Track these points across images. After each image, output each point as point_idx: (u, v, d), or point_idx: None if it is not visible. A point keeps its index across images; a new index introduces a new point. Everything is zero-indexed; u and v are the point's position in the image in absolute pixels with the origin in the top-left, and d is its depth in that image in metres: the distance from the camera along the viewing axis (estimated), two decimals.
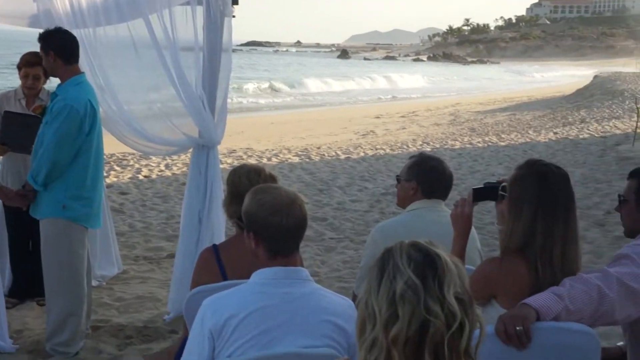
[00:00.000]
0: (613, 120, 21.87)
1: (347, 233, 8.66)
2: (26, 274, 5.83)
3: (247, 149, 16.08)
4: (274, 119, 25.67)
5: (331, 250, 7.92)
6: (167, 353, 3.86)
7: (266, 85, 43.62)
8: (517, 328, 2.48)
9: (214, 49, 5.39)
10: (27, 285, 5.85)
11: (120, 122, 5.51)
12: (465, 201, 3.11)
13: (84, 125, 4.75)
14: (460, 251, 3.09)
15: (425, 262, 1.71)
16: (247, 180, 3.46)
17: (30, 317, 5.65)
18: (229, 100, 5.83)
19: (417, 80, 56.02)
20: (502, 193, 3.04)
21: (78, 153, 4.77)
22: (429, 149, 16.59)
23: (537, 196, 2.86)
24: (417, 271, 1.70)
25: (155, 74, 5.41)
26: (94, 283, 6.03)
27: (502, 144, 17.71)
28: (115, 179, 11.58)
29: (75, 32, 5.04)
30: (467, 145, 17.58)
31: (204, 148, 5.51)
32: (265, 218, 2.62)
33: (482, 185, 3.14)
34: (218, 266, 3.42)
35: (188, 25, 5.32)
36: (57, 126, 4.68)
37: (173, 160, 13.21)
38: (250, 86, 41.63)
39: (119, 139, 5.69)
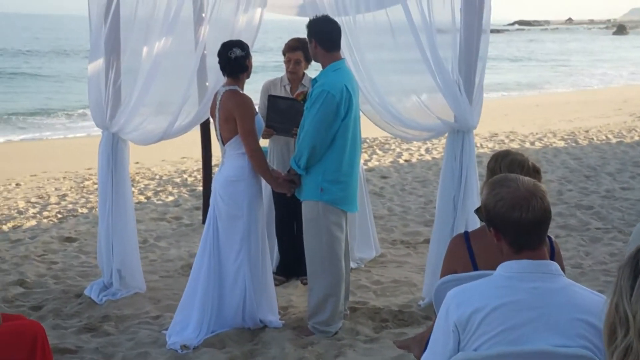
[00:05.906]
0: None
1: (615, 223, 8.05)
2: (292, 254, 6.14)
3: (510, 132, 15.60)
4: (538, 101, 24.67)
5: (597, 241, 7.41)
6: (418, 340, 3.83)
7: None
8: None
9: (472, 30, 5.27)
10: (293, 264, 6.16)
11: (377, 106, 5.60)
12: None
13: (340, 110, 4.88)
14: None
15: None
16: (507, 172, 3.22)
17: (295, 295, 5.94)
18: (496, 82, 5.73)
19: None
20: None
21: (335, 137, 4.92)
22: None
23: None
24: None
25: (411, 56, 5.43)
26: (353, 265, 6.20)
27: None
28: (377, 163, 11.85)
29: (336, 19, 5.20)
30: None
31: (460, 133, 5.41)
32: (504, 214, 2.47)
33: None
34: (468, 254, 3.33)
35: (445, 7, 5.27)
36: (315, 112, 4.86)
37: (433, 144, 13.21)
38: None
39: (376, 123, 5.79)
